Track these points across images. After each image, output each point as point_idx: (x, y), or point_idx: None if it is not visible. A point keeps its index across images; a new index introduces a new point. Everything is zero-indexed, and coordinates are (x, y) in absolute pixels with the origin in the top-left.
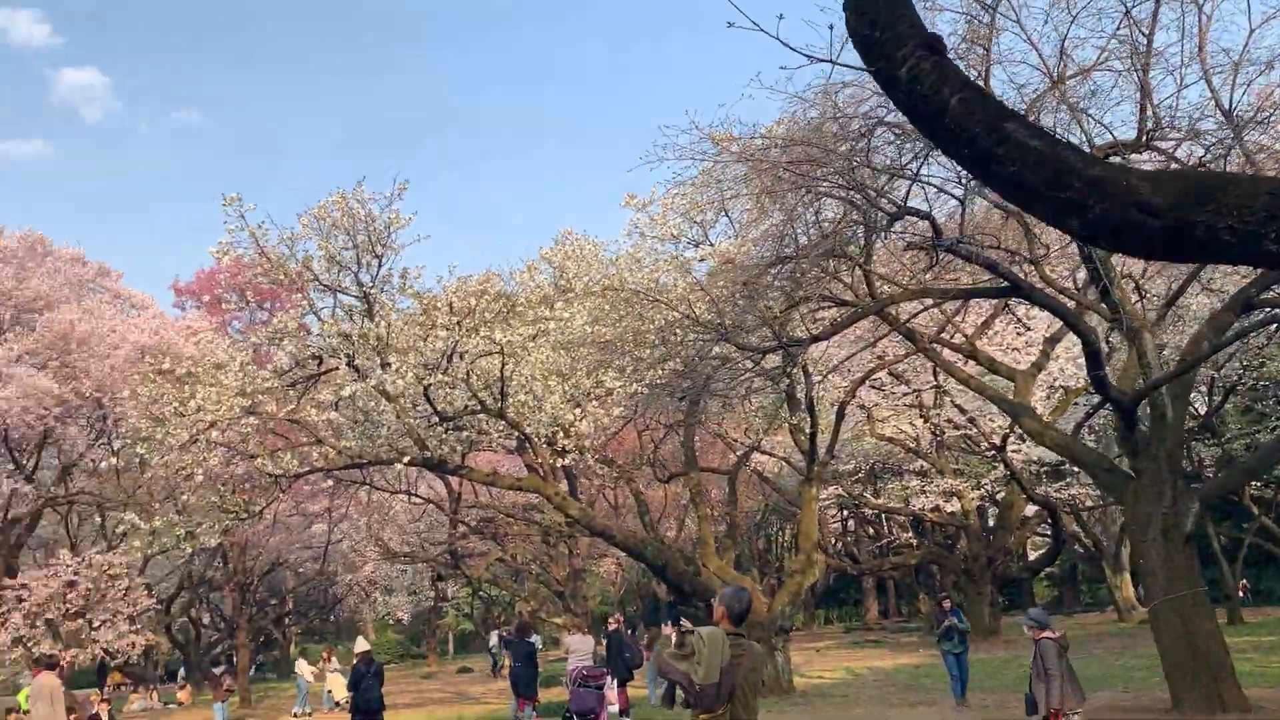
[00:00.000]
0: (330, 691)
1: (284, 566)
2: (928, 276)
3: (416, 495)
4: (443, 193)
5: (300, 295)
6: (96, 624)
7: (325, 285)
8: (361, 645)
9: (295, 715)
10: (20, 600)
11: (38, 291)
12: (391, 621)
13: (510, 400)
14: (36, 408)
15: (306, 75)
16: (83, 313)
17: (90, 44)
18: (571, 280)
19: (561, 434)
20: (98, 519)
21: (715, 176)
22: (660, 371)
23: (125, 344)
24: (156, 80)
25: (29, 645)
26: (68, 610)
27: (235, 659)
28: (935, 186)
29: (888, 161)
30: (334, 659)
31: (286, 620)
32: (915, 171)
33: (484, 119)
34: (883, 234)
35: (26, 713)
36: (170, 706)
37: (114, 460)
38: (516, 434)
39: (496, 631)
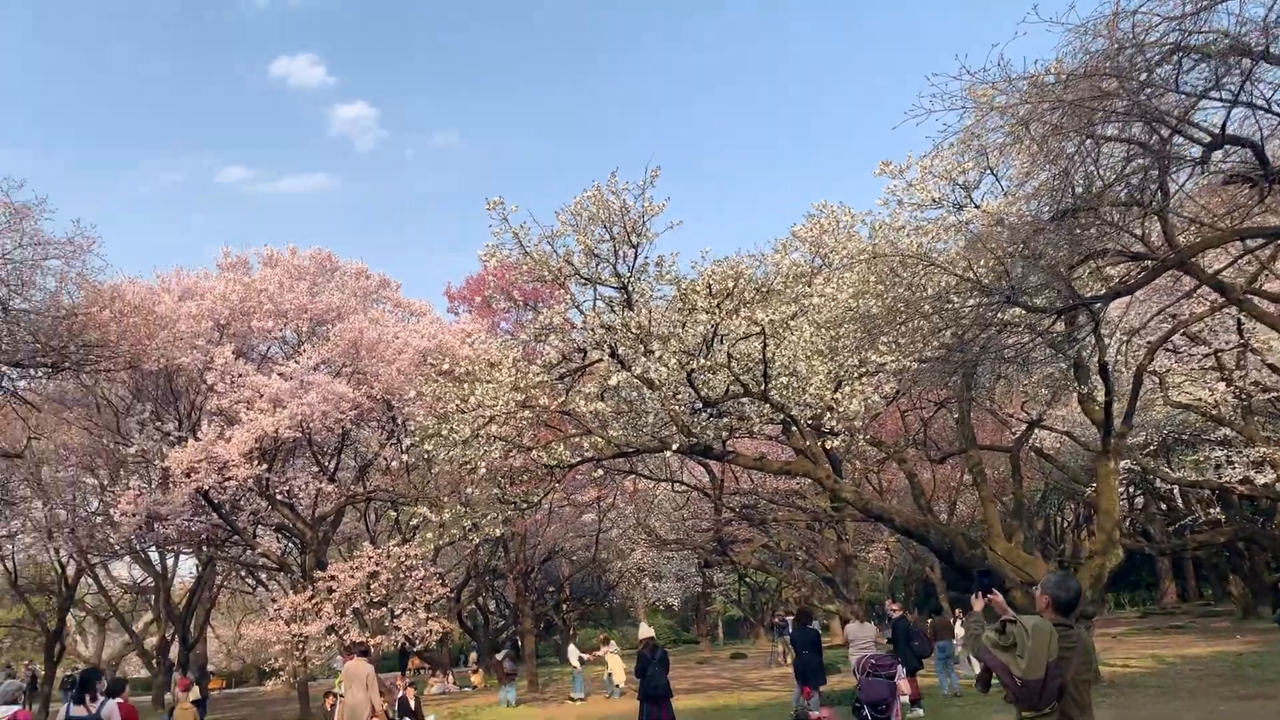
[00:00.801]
0: (610, 675)
1: (560, 555)
2: (1255, 211)
3: (680, 482)
4: (691, 178)
5: (563, 291)
6: (397, 612)
7: (585, 279)
8: (645, 631)
9: (573, 699)
10: (330, 591)
11: (329, 304)
12: (661, 607)
13: (773, 382)
14: (334, 411)
15: (544, 87)
16: (369, 321)
17: (360, 80)
18: (829, 254)
19: (829, 414)
20: (393, 513)
21: (978, 134)
22: (933, 344)
23: (408, 349)
24: (417, 107)
25: (340, 633)
26: (371, 599)
27: (521, 644)
28: (1261, 107)
29: (1194, 89)
30: (612, 642)
31: (565, 607)
32: (1235, 93)
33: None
34: (1199, 168)
35: (341, 696)
36: (465, 689)
37: (404, 458)
38: (781, 417)
39: (777, 618)
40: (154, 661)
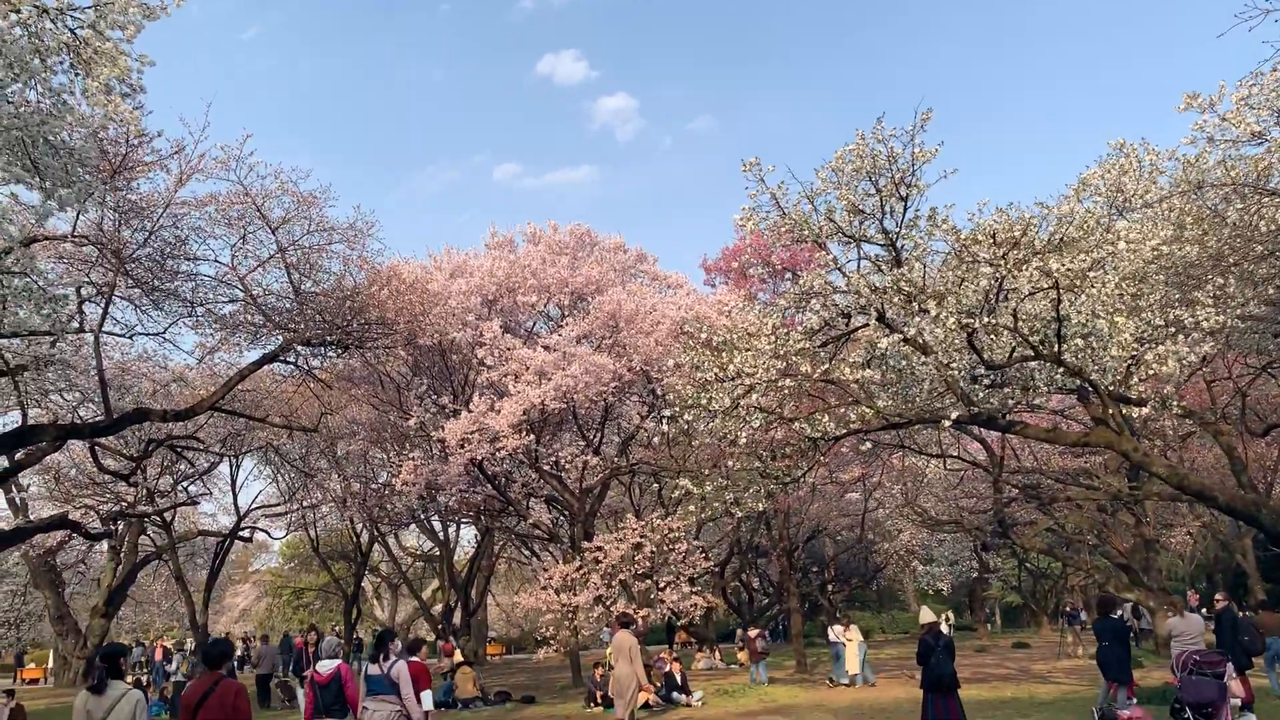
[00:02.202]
0: (842, 660)
1: (824, 534)
2: None
3: (955, 458)
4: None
5: (823, 252)
6: (662, 585)
7: (849, 237)
8: (927, 616)
9: (831, 683)
10: (597, 562)
11: (589, 277)
12: (931, 591)
13: (1067, 343)
14: (596, 383)
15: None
16: (627, 294)
17: (620, 72)
18: (1130, 199)
19: (1137, 380)
20: (655, 486)
21: None
22: (1266, 293)
23: (665, 320)
24: (675, 96)
25: (607, 604)
26: (637, 571)
27: (787, 623)
28: None
29: None
30: (853, 627)
31: (830, 587)
32: None
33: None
34: None
35: (611, 667)
36: (732, 666)
37: (665, 430)
38: (1076, 383)
39: (1067, 606)
40: (439, 626)
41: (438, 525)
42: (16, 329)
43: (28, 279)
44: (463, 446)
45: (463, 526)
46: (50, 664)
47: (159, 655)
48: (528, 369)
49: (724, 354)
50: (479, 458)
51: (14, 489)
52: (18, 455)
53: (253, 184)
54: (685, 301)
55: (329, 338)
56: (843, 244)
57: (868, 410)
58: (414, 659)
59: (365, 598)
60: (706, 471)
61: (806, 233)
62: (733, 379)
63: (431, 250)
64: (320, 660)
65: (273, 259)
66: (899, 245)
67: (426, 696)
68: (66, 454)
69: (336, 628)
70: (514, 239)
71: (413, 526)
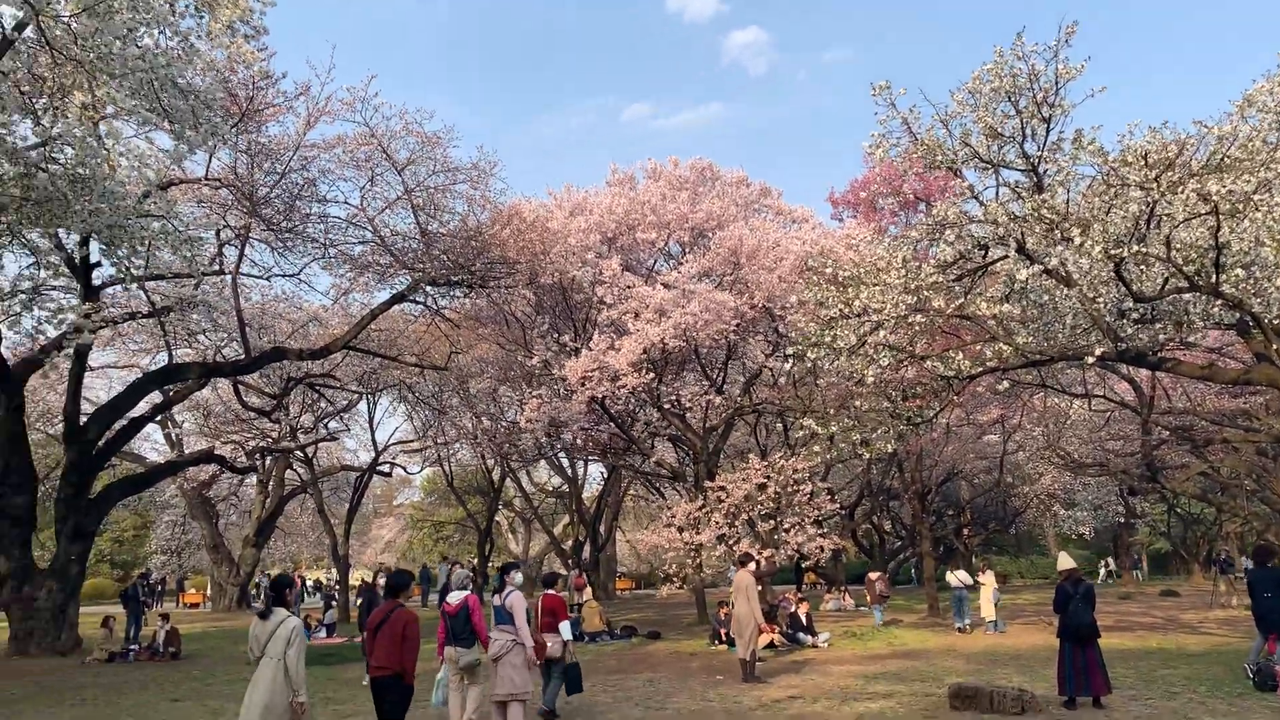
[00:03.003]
0: (968, 603)
1: (959, 477)
2: None
3: (1100, 398)
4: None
5: (958, 180)
6: (786, 526)
7: (986, 163)
8: (1066, 562)
9: (962, 630)
10: (720, 501)
11: (709, 213)
12: (1073, 536)
13: (1226, 274)
14: (717, 321)
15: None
16: (749, 230)
17: (752, 5)
18: None
19: None
20: (780, 426)
21: None
22: None
23: (789, 255)
24: (810, 26)
25: (730, 543)
26: (760, 512)
27: (919, 567)
28: None
29: None
30: (990, 572)
31: (965, 531)
32: None
33: None
34: None
35: (733, 605)
36: (861, 608)
37: (789, 368)
38: (1237, 316)
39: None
40: (570, 561)
41: (565, 462)
42: (160, 272)
43: (165, 222)
44: (584, 384)
45: (590, 463)
46: (208, 590)
47: (298, 585)
48: (647, 307)
49: (850, 289)
50: (600, 396)
51: (169, 424)
52: (170, 391)
53: (378, 125)
54: (810, 236)
55: (454, 277)
56: (979, 170)
57: (1006, 347)
58: (550, 591)
59: (499, 531)
60: (832, 412)
61: (940, 159)
62: (859, 315)
63: (551, 189)
64: (451, 591)
65: (399, 200)
66: (1041, 170)
67: (565, 627)
68: (214, 392)
69: (474, 560)
70: (634, 176)
71: (542, 463)
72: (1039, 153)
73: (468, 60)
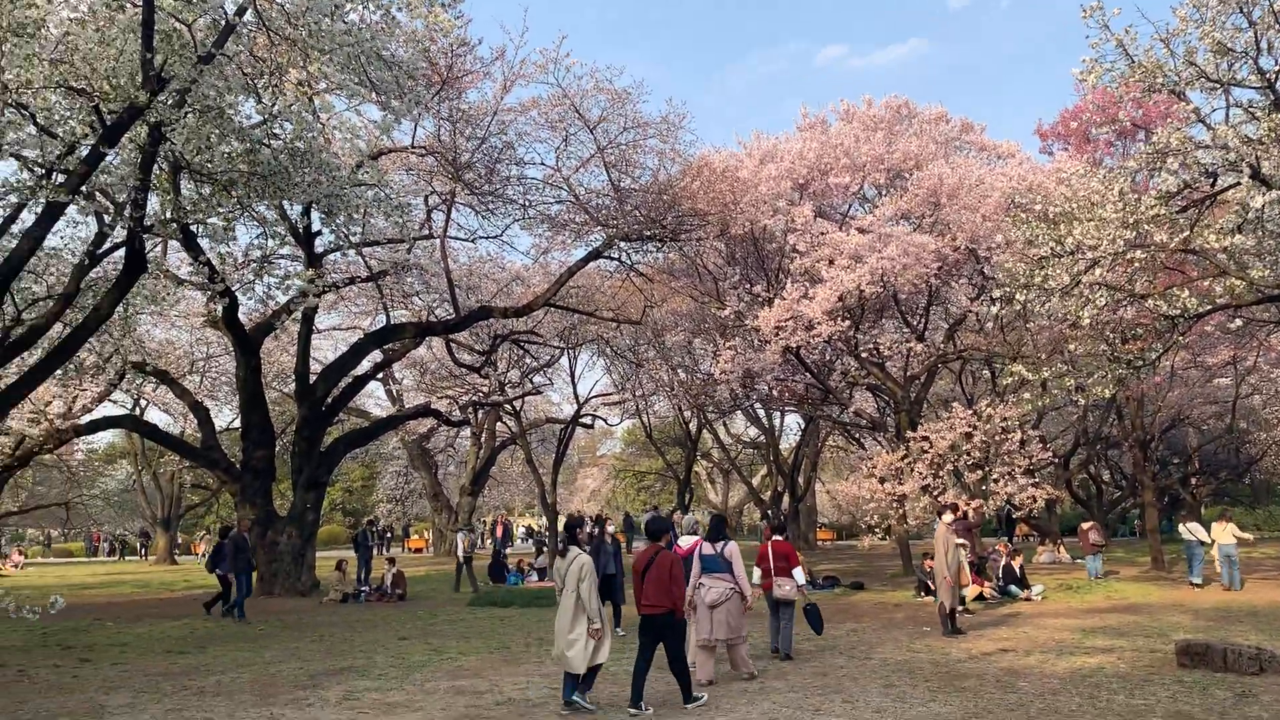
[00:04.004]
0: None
1: (1185, 423)
2: None
3: None
4: None
5: (1182, 103)
6: (995, 476)
7: (1214, 82)
8: None
9: (1192, 585)
10: (924, 451)
11: (906, 152)
12: None
13: None
14: (916, 265)
15: None
16: (950, 168)
17: None
18: None
19: None
20: (986, 373)
21: None
22: None
23: (994, 193)
24: None
25: (934, 494)
26: (967, 462)
27: (1141, 519)
28: None
29: None
30: (1231, 525)
31: (1193, 481)
32: None
33: None
34: None
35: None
36: (1078, 560)
37: (995, 313)
38: None
39: None
40: (768, 511)
41: (761, 413)
42: (375, 238)
43: (377, 190)
44: (777, 334)
45: (787, 414)
46: (430, 536)
47: (499, 532)
48: (841, 253)
49: (1062, 226)
50: (795, 345)
51: (390, 381)
52: (389, 350)
53: (570, 86)
54: (1017, 172)
55: (647, 232)
56: (1206, 91)
57: (1238, 282)
58: (779, 538)
59: (698, 482)
60: (1044, 356)
61: (1160, 82)
62: (1072, 253)
63: (741, 138)
64: (682, 537)
65: (593, 158)
66: (1278, 87)
67: (798, 573)
68: (429, 349)
69: (674, 510)
70: (826, 119)
71: (738, 414)
72: (1276, 67)
73: (655, 13)
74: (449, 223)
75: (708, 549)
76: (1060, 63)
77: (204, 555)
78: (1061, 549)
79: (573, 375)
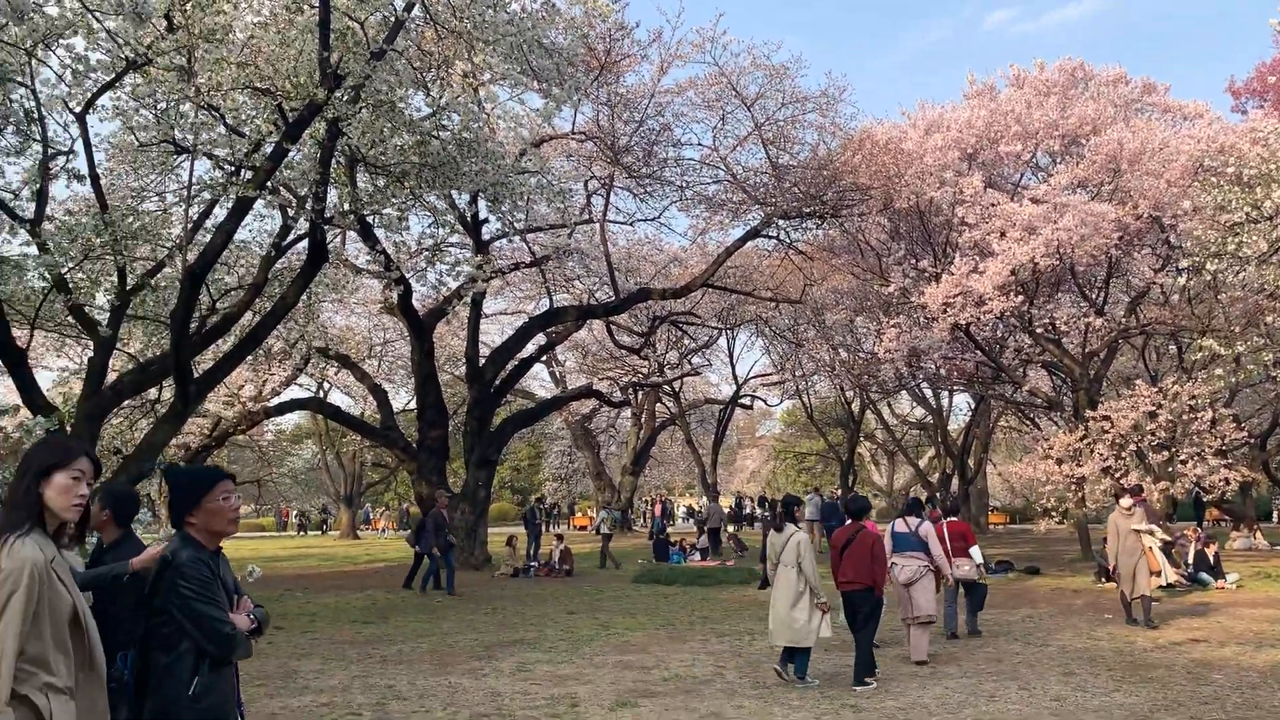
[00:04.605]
0: None
1: None
2: None
3: None
4: None
5: None
6: (1183, 457)
7: None
8: None
9: None
10: (1104, 431)
11: (1082, 117)
12: None
13: None
14: (1095, 235)
15: None
16: (1130, 131)
17: None
18: None
19: None
20: (1173, 349)
21: None
22: None
23: (1180, 156)
24: None
25: (1116, 476)
26: (1151, 442)
27: None
28: None
29: None
30: None
31: None
32: None
33: None
34: None
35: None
36: (1277, 547)
37: (1183, 283)
38: None
39: None
40: (936, 494)
41: (928, 392)
42: (538, 224)
43: (540, 177)
44: (945, 311)
45: (955, 393)
46: (594, 513)
47: (658, 511)
48: (1014, 225)
49: (1259, 189)
50: (964, 322)
51: (553, 363)
52: (552, 333)
53: (727, 64)
54: (1206, 133)
55: (806, 209)
56: None
57: None
58: (954, 519)
59: (861, 463)
60: (1238, 330)
61: None
62: (1270, 218)
63: (904, 108)
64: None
65: (750, 136)
66: None
67: (976, 551)
68: (590, 332)
69: (837, 490)
70: (994, 85)
71: (903, 394)
72: None
73: None
74: (608, 206)
75: (901, 526)
76: (1256, 14)
77: (383, 531)
78: (1258, 534)
79: (731, 356)
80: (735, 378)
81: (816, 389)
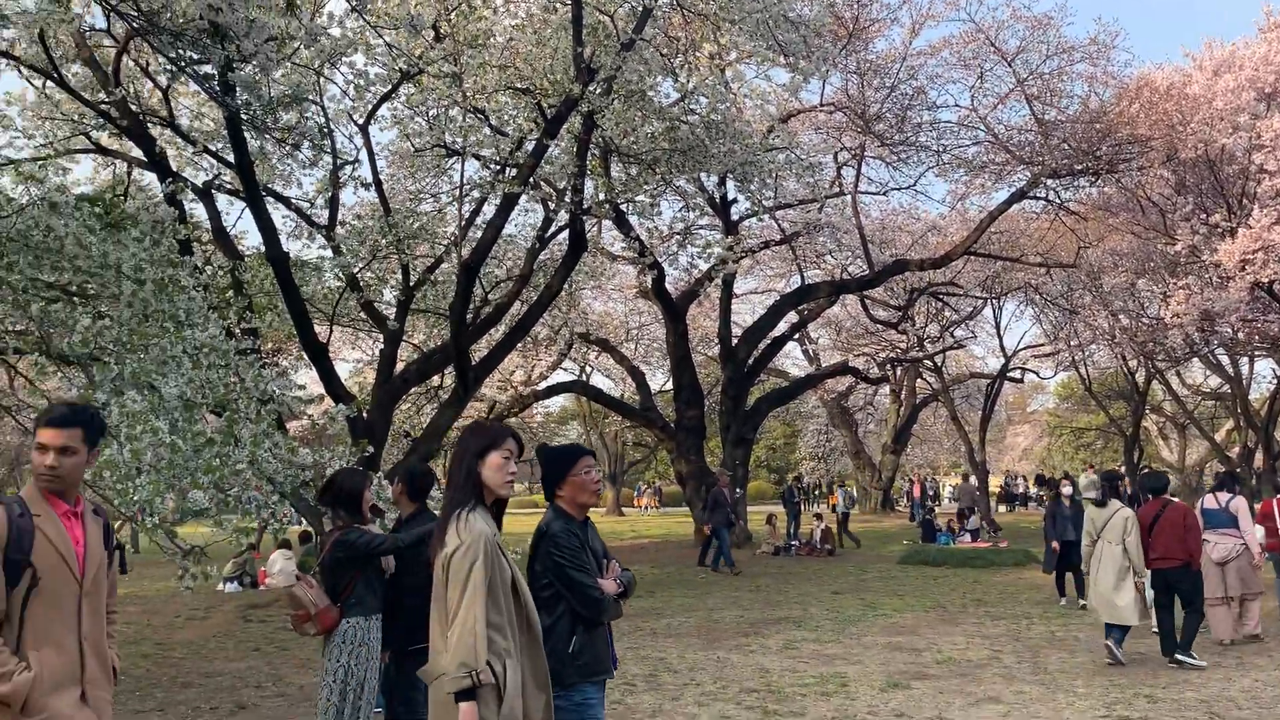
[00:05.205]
0: None
1: None
2: None
3: None
4: None
5: None
6: None
7: None
8: None
9: None
10: None
11: None
12: None
13: None
14: None
15: None
16: None
17: None
18: None
19: None
20: None
21: None
22: None
23: None
24: None
25: None
26: None
27: None
28: None
29: None
30: None
31: None
32: None
33: None
34: None
35: None
36: None
37: None
38: None
39: None
40: (1237, 470)
41: (1225, 359)
42: (787, 200)
43: (788, 153)
44: (1243, 269)
45: (1257, 360)
46: (854, 493)
47: (916, 491)
48: None
49: None
50: (1265, 280)
51: (806, 341)
52: (804, 310)
53: (984, 19)
54: None
55: (1077, 166)
56: None
57: None
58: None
59: (1148, 438)
60: None
61: None
62: None
63: (1187, 49)
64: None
65: (1011, 93)
66: None
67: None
68: (843, 308)
69: (1120, 467)
70: None
71: (1195, 361)
72: None
73: None
74: (859, 177)
75: (1211, 502)
76: None
77: (645, 509)
78: None
79: (998, 327)
80: (1003, 350)
81: (1094, 359)
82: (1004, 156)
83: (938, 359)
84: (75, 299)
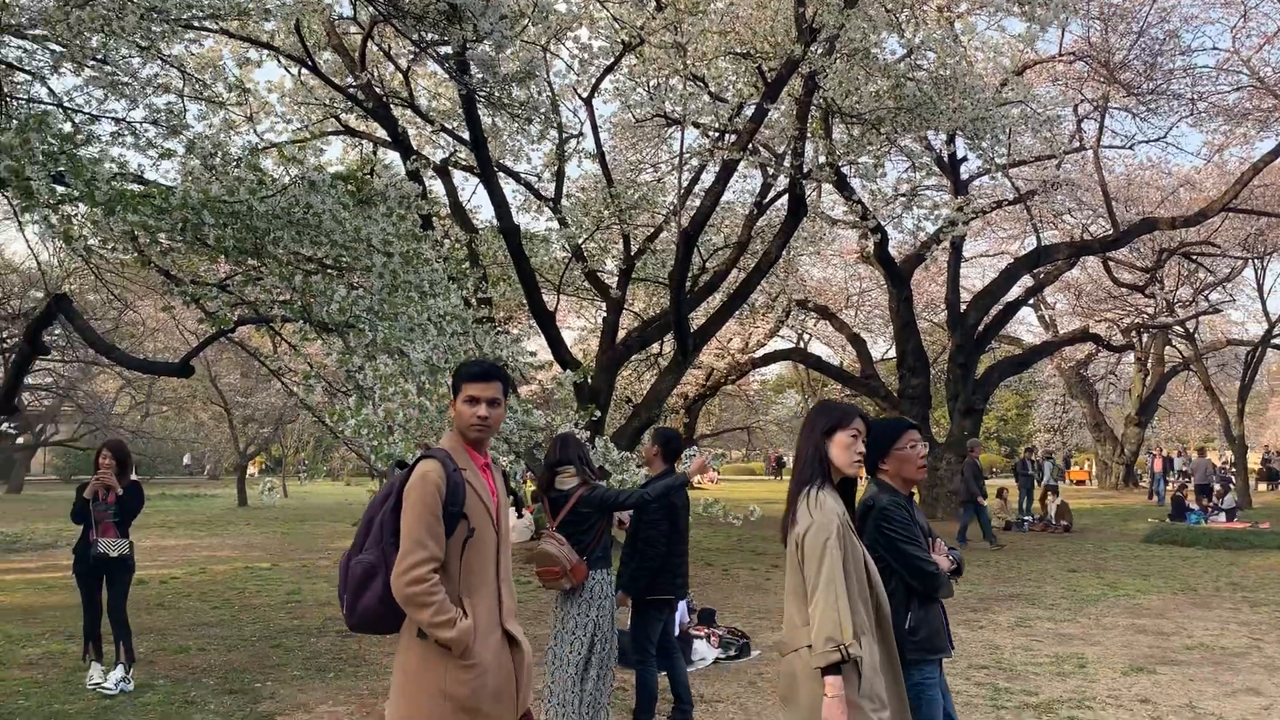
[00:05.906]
0: None
1: None
2: None
3: None
4: None
5: None
6: None
7: None
8: None
9: None
10: None
11: None
12: None
13: None
14: None
15: None
16: None
17: None
18: None
19: None
20: None
21: None
22: None
23: None
24: None
25: None
26: None
27: None
28: None
29: None
30: None
31: None
32: None
33: None
34: None
35: None
36: None
37: None
38: None
39: None
40: None
41: None
42: (1022, 157)
43: (1023, 106)
44: None
45: None
46: (1092, 468)
47: (1158, 466)
48: None
49: None
50: None
51: (1042, 306)
52: (1040, 274)
53: None
54: None
55: None
56: None
57: None
58: None
59: None
60: None
61: None
62: None
63: None
64: None
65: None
66: None
67: None
68: (1083, 270)
69: None
70: None
71: None
72: None
73: None
74: (1102, 130)
75: None
76: None
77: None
78: None
79: (1260, 289)
80: (1266, 315)
81: None
82: (1271, 102)
83: (1190, 325)
84: (331, 271)
